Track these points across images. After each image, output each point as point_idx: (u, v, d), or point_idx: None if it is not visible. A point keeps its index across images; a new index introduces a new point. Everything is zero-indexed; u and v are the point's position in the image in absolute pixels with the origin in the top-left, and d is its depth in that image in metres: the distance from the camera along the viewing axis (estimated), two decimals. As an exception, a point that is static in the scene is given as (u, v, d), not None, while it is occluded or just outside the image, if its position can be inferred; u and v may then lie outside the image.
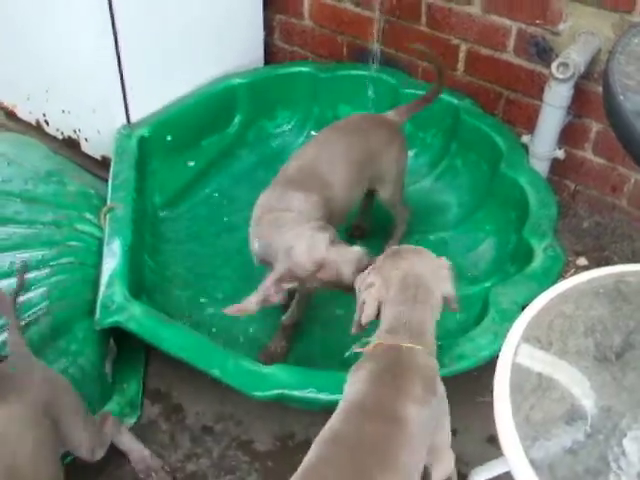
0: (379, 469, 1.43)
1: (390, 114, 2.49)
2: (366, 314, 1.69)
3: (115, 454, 2.03)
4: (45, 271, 2.31)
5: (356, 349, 1.69)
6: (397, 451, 1.46)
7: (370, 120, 2.45)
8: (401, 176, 2.47)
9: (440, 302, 1.72)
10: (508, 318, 1.97)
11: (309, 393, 1.87)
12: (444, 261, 1.79)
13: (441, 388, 1.64)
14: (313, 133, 3.06)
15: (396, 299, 1.68)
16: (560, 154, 2.66)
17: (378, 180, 2.39)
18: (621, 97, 1.57)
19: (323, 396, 1.87)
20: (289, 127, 3.09)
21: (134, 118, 2.77)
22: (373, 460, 1.44)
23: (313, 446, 1.54)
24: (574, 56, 2.39)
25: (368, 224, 2.68)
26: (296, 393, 1.87)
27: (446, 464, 1.71)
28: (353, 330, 1.75)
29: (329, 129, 2.41)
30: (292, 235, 1.96)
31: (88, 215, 2.51)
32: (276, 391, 1.86)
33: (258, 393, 1.87)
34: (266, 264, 2.06)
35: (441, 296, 1.72)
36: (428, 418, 1.54)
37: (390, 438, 1.48)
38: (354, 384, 1.60)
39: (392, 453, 1.46)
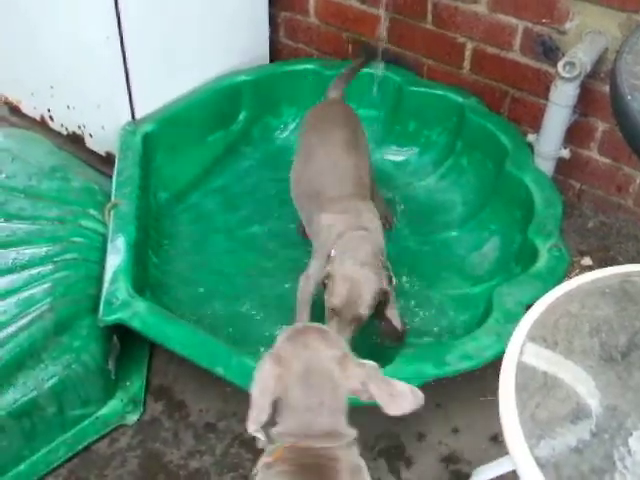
0: None
1: (333, 94, 2.62)
2: (257, 417, 1.43)
3: (117, 454, 2.04)
4: (49, 267, 2.31)
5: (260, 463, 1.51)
6: None
7: (332, 107, 2.58)
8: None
9: (347, 396, 1.50)
10: (512, 318, 1.96)
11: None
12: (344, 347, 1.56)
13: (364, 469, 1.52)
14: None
15: (298, 404, 1.46)
16: (565, 153, 2.66)
17: None
18: (629, 97, 1.56)
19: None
20: (294, 124, 3.08)
21: (139, 114, 2.77)
22: None
23: None
24: (580, 55, 2.38)
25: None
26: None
27: None
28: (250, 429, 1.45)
29: (312, 130, 2.49)
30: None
31: (92, 211, 2.51)
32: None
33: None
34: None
35: (349, 391, 1.49)
36: None
37: None
38: None
39: None
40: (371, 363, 1.52)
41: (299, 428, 1.45)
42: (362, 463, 1.52)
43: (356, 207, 2.22)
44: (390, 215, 2.68)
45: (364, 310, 2.00)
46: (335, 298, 2.00)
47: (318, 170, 2.34)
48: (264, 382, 1.46)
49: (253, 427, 1.43)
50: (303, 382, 1.45)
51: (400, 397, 1.51)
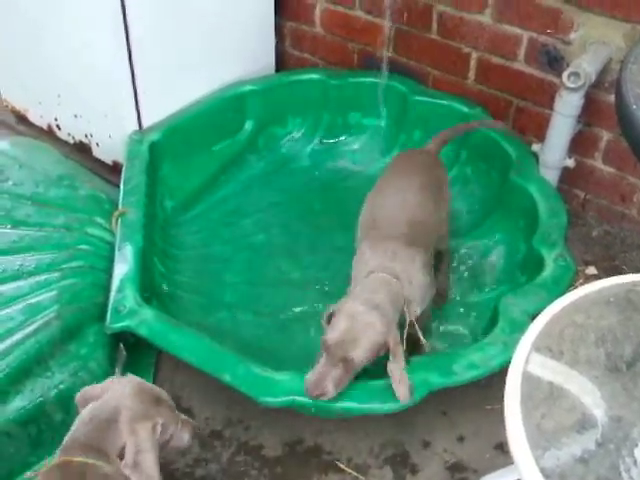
0: None
1: (430, 145, 2.52)
2: None
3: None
4: (55, 274, 2.32)
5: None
6: None
7: (424, 155, 2.48)
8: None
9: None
10: (518, 328, 1.97)
11: (322, 402, 1.87)
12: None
13: None
14: (324, 140, 3.07)
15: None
16: (570, 163, 2.66)
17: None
18: (634, 106, 1.57)
19: (334, 404, 1.87)
20: (300, 134, 3.09)
21: (146, 123, 2.78)
22: None
23: None
24: (585, 65, 2.39)
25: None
26: (307, 400, 1.86)
27: None
28: None
29: (395, 170, 2.40)
30: None
31: (99, 219, 2.53)
32: (287, 398, 1.87)
33: (269, 399, 1.87)
34: None
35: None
36: None
37: None
38: None
39: None
40: None
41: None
42: None
43: (397, 251, 2.07)
44: (444, 290, 2.46)
45: (356, 355, 1.83)
46: (330, 333, 1.86)
47: (383, 203, 2.25)
48: None
49: None
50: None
51: None
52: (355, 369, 1.86)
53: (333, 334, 1.85)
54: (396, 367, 1.88)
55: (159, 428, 1.65)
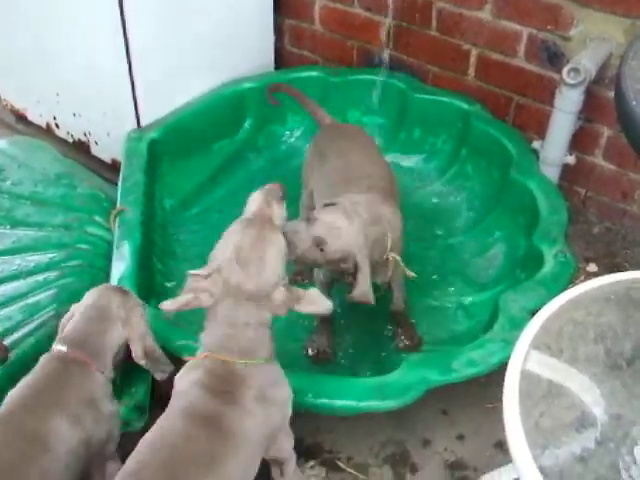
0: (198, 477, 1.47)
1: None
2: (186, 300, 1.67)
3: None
4: (54, 273, 2.32)
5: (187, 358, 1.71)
6: (220, 462, 1.50)
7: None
8: None
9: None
10: (518, 324, 1.96)
11: (320, 399, 1.86)
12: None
13: (279, 394, 1.66)
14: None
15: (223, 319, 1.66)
16: (571, 160, 2.65)
17: None
18: (634, 102, 1.56)
19: (333, 402, 1.87)
20: (299, 132, 3.09)
21: (144, 121, 2.77)
22: (193, 469, 1.47)
23: (137, 447, 1.54)
24: (585, 61, 2.38)
25: None
26: (306, 399, 1.86)
27: (287, 467, 1.79)
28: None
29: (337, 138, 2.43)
30: None
31: (98, 218, 2.52)
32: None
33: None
34: None
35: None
36: (255, 427, 1.57)
37: (214, 448, 1.51)
38: (184, 391, 1.62)
39: (215, 464, 1.50)
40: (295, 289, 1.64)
41: (219, 341, 1.62)
42: (274, 385, 1.65)
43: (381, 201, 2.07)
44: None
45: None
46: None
47: (350, 163, 2.26)
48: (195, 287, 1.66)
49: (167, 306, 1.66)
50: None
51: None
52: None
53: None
54: (362, 281, 1.91)
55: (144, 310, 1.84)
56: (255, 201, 1.76)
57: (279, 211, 1.74)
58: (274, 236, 1.68)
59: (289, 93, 2.63)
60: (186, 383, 1.62)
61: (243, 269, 1.61)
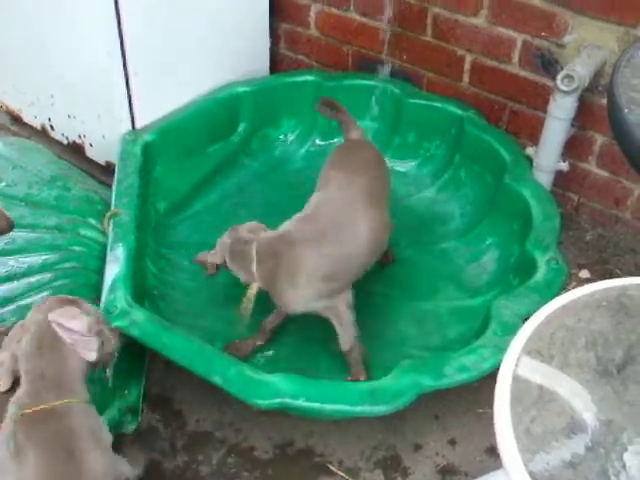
0: None
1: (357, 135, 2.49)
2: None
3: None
4: (48, 275, 2.32)
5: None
6: None
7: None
8: None
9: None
10: (510, 330, 1.97)
11: (311, 403, 1.87)
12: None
13: (106, 436, 1.70)
14: (318, 142, 3.07)
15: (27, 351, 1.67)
16: (564, 166, 2.66)
17: None
18: (626, 110, 1.57)
19: (325, 406, 1.87)
20: (294, 136, 3.09)
21: (139, 124, 2.77)
22: None
23: None
24: (579, 69, 2.39)
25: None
26: (298, 402, 1.86)
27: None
28: None
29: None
30: None
31: (92, 220, 2.52)
32: (278, 400, 1.86)
33: (260, 401, 1.87)
34: None
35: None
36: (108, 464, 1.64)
37: None
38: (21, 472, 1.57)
39: None
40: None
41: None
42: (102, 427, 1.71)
43: None
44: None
45: None
46: None
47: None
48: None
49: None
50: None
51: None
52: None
53: None
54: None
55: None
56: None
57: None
58: None
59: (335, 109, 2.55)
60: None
61: None
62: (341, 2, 3.04)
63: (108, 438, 1.70)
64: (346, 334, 2.17)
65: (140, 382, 2.26)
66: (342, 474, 2.05)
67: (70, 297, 1.85)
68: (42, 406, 1.61)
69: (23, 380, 1.66)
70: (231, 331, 2.34)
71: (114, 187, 2.53)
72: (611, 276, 2.59)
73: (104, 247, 2.35)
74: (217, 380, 1.92)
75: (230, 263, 2.17)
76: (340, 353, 2.20)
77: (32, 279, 2.29)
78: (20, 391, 1.65)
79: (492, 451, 2.08)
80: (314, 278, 2.08)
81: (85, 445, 1.60)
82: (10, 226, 1.94)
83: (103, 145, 2.88)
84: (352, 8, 3.02)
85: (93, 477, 1.59)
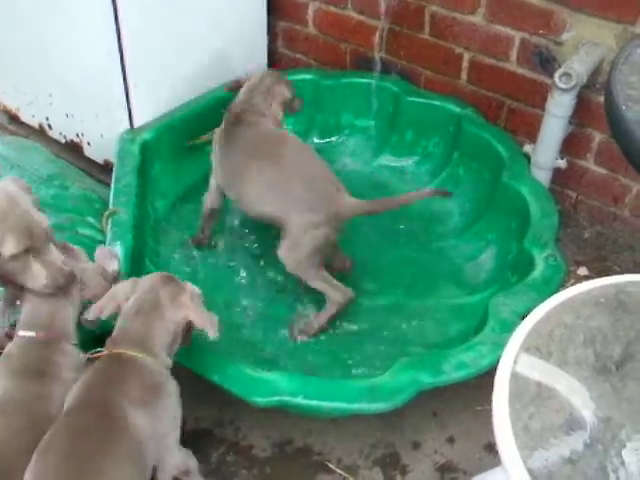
0: (102, 462, 1.54)
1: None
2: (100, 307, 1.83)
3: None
4: (46, 274, 2.31)
5: (87, 356, 1.81)
6: (118, 443, 1.58)
7: None
8: None
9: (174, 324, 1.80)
10: (508, 328, 1.97)
11: (310, 400, 1.87)
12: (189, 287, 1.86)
13: (169, 389, 1.76)
14: (316, 140, 3.07)
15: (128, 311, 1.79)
16: (562, 164, 2.66)
17: None
18: (623, 107, 1.57)
19: (323, 403, 1.87)
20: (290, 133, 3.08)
21: (137, 123, 2.77)
22: (94, 456, 1.55)
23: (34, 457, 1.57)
24: (577, 66, 2.39)
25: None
26: (296, 400, 1.86)
27: (170, 464, 1.78)
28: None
29: None
30: None
31: (90, 219, 2.52)
32: (277, 398, 1.87)
33: (258, 399, 1.87)
34: None
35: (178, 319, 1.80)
36: (150, 417, 1.66)
37: (108, 432, 1.59)
38: (74, 390, 1.69)
39: (113, 446, 1.57)
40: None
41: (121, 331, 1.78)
42: (164, 383, 1.77)
43: None
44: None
45: None
46: None
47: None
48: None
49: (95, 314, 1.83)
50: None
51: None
52: None
53: None
54: None
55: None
56: None
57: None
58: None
59: None
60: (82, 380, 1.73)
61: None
62: (339, 0, 3.04)
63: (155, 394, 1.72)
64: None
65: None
66: (341, 472, 2.05)
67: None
68: (120, 350, 1.72)
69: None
70: (228, 331, 2.34)
71: (112, 186, 2.52)
72: (609, 273, 2.59)
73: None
74: (216, 378, 1.93)
75: None
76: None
77: (30, 278, 2.29)
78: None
79: (491, 448, 2.08)
80: None
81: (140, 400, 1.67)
82: (67, 280, 1.92)
83: (101, 144, 2.88)
84: (350, 6, 3.02)
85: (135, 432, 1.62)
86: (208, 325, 1.80)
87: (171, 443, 1.76)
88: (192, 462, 1.84)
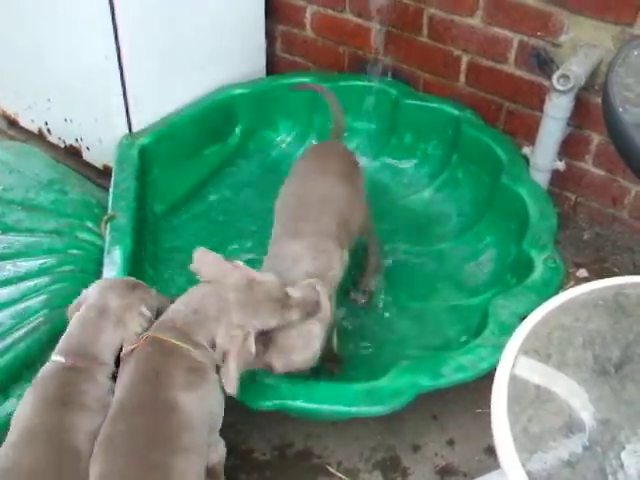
0: (167, 456, 1.54)
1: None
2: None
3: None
4: (45, 279, 2.32)
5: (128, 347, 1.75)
6: (178, 435, 1.57)
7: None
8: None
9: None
10: (508, 330, 1.96)
11: (309, 404, 1.87)
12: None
13: (211, 377, 1.72)
14: (315, 143, 3.07)
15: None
16: (561, 166, 2.66)
17: None
18: (620, 109, 1.57)
19: (323, 406, 1.87)
20: (290, 138, 3.09)
21: (136, 127, 2.78)
22: (158, 452, 1.54)
23: (95, 452, 1.59)
24: (575, 68, 2.39)
25: None
26: (296, 404, 1.86)
27: (218, 451, 1.82)
28: None
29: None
30: None
31: (89, 224, 2.52)
32: (277, 401, 1.86)
33: (259, 403, 1.87)
34: None
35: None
36: (200, 400, 1.66)
37: (166, 425, 1.58)
38: (121, 382, 1.69)
39: (173, 438, 1.57)
40: None
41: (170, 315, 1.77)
42: (208, 370, 1.73)
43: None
44: (369, 291, 2.49)
45: None
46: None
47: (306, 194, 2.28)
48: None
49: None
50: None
51: None
52: None
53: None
54: None
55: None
56: (305, 289, 1.88)
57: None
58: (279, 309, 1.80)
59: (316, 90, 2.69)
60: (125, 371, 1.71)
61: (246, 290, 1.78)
62: (337, 3, 3.04)
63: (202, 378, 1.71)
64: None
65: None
66: (341, 475, 2.05)
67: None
68: (167, 338, 1.69)
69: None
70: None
71: (111, 190, 2.53)
72: (609, 275, 2.58)
73: (102, 250, 2.35)
74: (215, 382, 1.92)
75: None
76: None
77: (30, 283, 2.29)
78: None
79: (491, 451, 2.08)
80: None
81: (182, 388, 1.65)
82: None
83: (100, 148, 2.88)
84: (348, 9, 3.02)
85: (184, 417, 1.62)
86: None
87: (217, 432, 1.79)
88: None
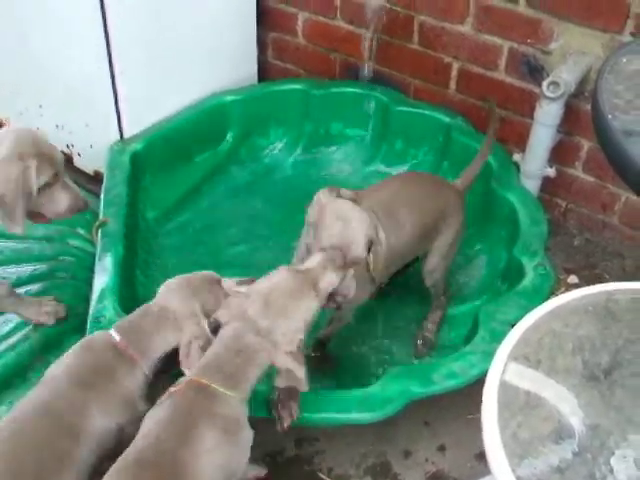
0: None
1: (457, 183, 2.44)
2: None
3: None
4: (36, 286, 2.32)
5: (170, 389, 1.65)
6: None
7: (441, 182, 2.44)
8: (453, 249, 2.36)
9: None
10: (498, 336, 1.96)
11: (303, 412, 1.86)
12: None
13: (244, 435, 1.67)
14: (306, 150, 3.08)
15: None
16: (551, 172, 2.67)
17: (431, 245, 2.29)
18: (609, 116, 1.58)
19: (314, 414, 1.87)
20: (282, 144, 3.09)
21: (127, 133, 2.77)
22: None
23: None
24: (565, 75, 2.40)
25: None
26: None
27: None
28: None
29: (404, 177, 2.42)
30: None
31: (80, 230, 2.52)
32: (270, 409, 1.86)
33: (251, 410, 1.86)
34: None
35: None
36: (221, 464, 1.58)
37: None
38: (148, 424, 1.60)
39: None
40: None
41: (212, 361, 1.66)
42: (242, 427, 1.66)
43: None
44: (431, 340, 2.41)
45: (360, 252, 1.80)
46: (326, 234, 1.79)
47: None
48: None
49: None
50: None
51: None
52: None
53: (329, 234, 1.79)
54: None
55: None
56: (312, 261, 1.76)
57: (330, 279, 1.73)
58: (308, 300, 1.68)
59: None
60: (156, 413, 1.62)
61: (265, 307, 1.65)
62: (328, 10, 3.05)
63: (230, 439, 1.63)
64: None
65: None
66: (332, 481, 2.05)
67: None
68: (205, 381, 1.62)
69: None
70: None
71: (102, 196, 2.53)
72: (599, 281, 2.60)
73: (93, 257, 2.35)
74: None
75: None
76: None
77: (21, 290, 2.29)
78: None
79: (482, 457, 2.07)
80: None
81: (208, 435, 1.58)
82: (86, 204, 2.07)
83: (91, 155, 2.88)
84: (339, 16, 3.03)
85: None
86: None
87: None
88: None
